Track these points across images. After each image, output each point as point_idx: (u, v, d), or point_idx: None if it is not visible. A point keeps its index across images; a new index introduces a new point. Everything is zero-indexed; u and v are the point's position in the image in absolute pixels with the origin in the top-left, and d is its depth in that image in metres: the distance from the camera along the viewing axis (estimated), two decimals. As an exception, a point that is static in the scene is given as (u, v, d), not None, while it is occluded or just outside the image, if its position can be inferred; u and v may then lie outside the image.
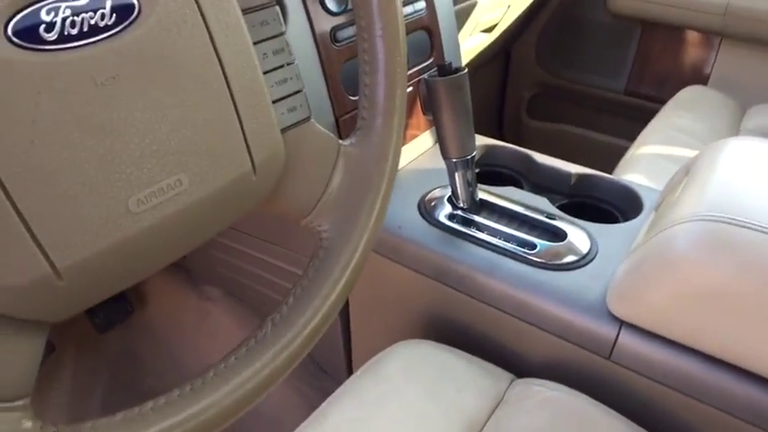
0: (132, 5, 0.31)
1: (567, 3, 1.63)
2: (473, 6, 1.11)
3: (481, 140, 0.92)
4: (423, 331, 0.78)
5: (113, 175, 0.30)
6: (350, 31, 0.74)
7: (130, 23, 0.30)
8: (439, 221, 0.75)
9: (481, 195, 0.78)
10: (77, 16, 0.29)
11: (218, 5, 0.34)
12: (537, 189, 0.88)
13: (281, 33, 0.39)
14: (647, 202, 0.78)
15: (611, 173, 1.08)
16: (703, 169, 0.67)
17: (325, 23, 0.71)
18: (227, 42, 0.34)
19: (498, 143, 0.92)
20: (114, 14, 0.30)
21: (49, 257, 0.28)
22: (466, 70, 0.69)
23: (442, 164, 0.75)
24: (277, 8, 0.39)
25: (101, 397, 1.04)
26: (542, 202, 0.77)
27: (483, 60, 1.48)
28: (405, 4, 0.83)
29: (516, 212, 0.75)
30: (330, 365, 1.00)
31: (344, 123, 0.74)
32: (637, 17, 1.53)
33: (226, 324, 1.06)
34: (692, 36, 1.51)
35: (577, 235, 0.71)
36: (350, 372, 0.94)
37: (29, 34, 0.27)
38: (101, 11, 0.29)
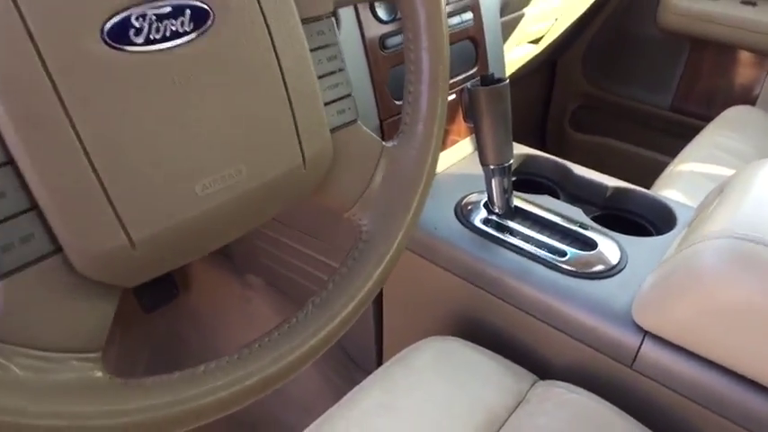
0: (207, 15, 0.35)
1: (616, 16, 1.63)
2: (520, 18, 1.13)
3: (520, 149, 0.95)
4: (451, 328, 0.81)
5: (184, 162, 0.34)
6: (398, 39, 0.78)
7: (205, 30, 0.35)
8: (474, 225, 0.77)
9: (516, 202, 0.80)
10: (161, 22, 0.33)
11: (281, 17, 0.38)
12: (572, 199, 0.89)
13: (335, 43, 0.43)
14: (681, 218, 0.79)
15: (650, 188, 1.09)
16: (737, 188, 0.68)
17: (374, 31, 0.74)
18: (287, 49, 0.38)
19: (537, 153, 0.94)
20: (192, 22, 0.34)
21: (127, 230, 0.33)
22: (507, 81, 0.72)
23: (480, 169, 0.78)
24: (333, 19, 0.43)
25: (141, 374, 1.10)
26: (576, 213, 0.79)
27: (528, 70, 1.49)
28: (452, 15, 0.86)
29: (549, 221, 0.77)
30: (360, 357, 1.03)
31: (389, 126, 0.78)
32: (686, 34, 1.52)
33: (265, 311, 1.11)
34: (742, 55, 1.50)
35: (608, 245, 0.73)
36: (379, 364, 0.98)
37: (120, 36, 0.32)
38: (181, 18, 0.34)
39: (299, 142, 0.40)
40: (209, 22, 0.35)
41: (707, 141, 1.21)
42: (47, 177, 0.30)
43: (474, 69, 0.92)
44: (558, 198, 0.89)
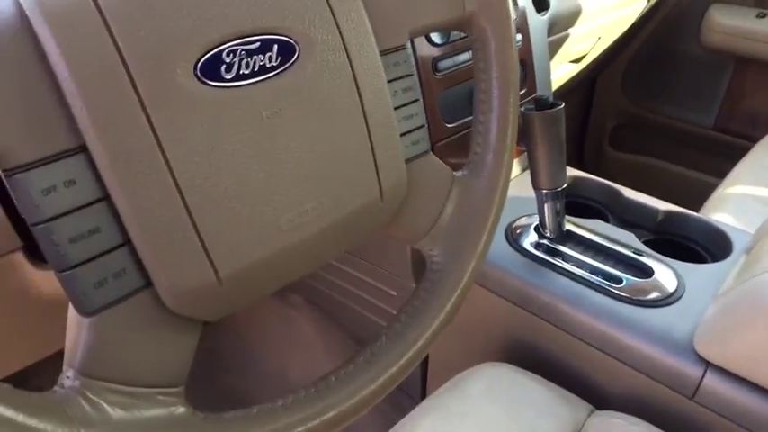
0: (294, 49, 0.35)
1: (658, 34, 1.62)
2: (565, 38, 1.13)
3: (568, 171, 0.94)
4: (501, 354, 0.80)
5: (270, 197, 0.35)
6: (450, 62, 0.78)
7: (291, 64, 0.35)
8: (525, 249, 0.77)
9: (568, 226, 0.79)
10: (250, 57, 0.33)
11: (362, 49, 0.38)
12: (623, 224, 0.88)
13: (411, 73, 0.43)
14: (738, 244, 0.78)
15: (695, 209, 1.07)
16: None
17: (427, 53, 0.75)
18: (367, 81, 0.38)
19: (586, 175, 0.93)
20: (279, 57, 0.35)
21: (215, 266, 0.33)
22: (562, 105, 0.71)
23: (529, 191, 0.77)
24: (409, 50, 0.43)
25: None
26: (629, 238, 0.78)
27: (568, 88, 1.48)
28: (503, 37, 0.86)
29: (602, 246, 0.76)
30: (406, 382, 1.03)
31: (439, 149, 0.78)
32: (730, 52, 1.50)
33: (307, 331, 1.11)
34: (788, 74, 1.47)
35: (664, 272, 0.72)
36: (424, 388, 0.97)
37: (212, 72, 0.32)
38: (269, 53, 0.34)
39: (377, 174, 0.40)
40: (295, 57, 0.35)
41: (755, 162, 1.19)
42: (141, 213, 0.31)
43: (523, 90, 0.92)
44: (607, 220, 0.88)
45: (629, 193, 0.88)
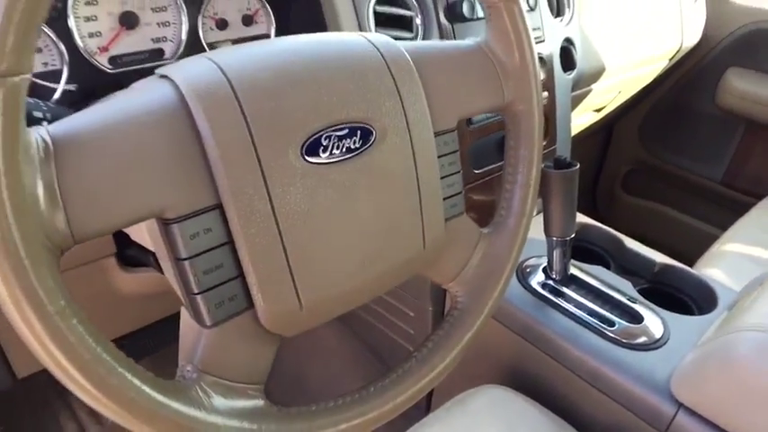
0: (371, 133, 0.46)
1: (676, 90, 1.71)
2: (588, 92, 1.23)
3: (579, 218, 1.04)
4: (502, 378, 0.90)
5: (345, 247, 0.45)
6: (482, 116, 0.88)
7: (369, 146, 0.46)
8: (532, 288, 0.87)
9: (573, 270, 0.89)
10: (340, 141, 0.44)
11: (421, 133, 0.49)
12: (623, 270, 0.98)
13: (456, 150, 0.53)
14: (723, 299, 0.87)
15: (695, 257, 1.16)
16: (779, 282, 0.76)
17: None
18: (423, 158, 0.49)
19: (594, 223, 1.03)
20: (361, 140, 0.45)
21: (299, 297, 0.44)
22: (578, 166, 0.81)
23: (541, 234, 0.87)
24: (456, 132, 0.53)
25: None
26: (626, 286, 0.88)
27: (588, 133, 1.58)
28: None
29: (601, 291, 0.86)
30: None
31: (466, 192, 0.88)
32: (743, 114, 1.59)
33: (328, 339, 1.22)
34: (797, 140, 1.56)
35: (653, 320, 0.81)
36: (428, 403, 1.07)
37: (312, 152, 0.43)
38: (353, 138, 0.45)
39: (423, 230, 0.50)
40: (372, 139, 0.46)
41: (755, 221, 1.28)
42: (252, 255, 0.41)
43: (544, 142, 1.02)
44: (608, 266, 0.97)
45: (630, 243, 0.98)
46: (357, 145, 0.45)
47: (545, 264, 0.90)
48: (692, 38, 1.51)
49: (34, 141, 0.35)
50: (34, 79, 0.64)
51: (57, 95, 0.66)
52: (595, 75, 1.20)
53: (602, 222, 1.28)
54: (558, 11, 1.05)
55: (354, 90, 0.45)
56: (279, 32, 0.81)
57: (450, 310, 0.57)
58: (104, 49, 0.68)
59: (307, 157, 0.43)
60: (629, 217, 1.87)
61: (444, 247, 0.53)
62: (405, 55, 0.49)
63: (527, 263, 0.92)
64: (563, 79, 1.04)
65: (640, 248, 0.97)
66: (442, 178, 0.52)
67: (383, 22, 0.81)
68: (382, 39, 0.49)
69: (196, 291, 0.40)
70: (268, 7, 0.79)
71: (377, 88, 0.46)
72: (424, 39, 0.83)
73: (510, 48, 0.54)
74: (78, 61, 0.67)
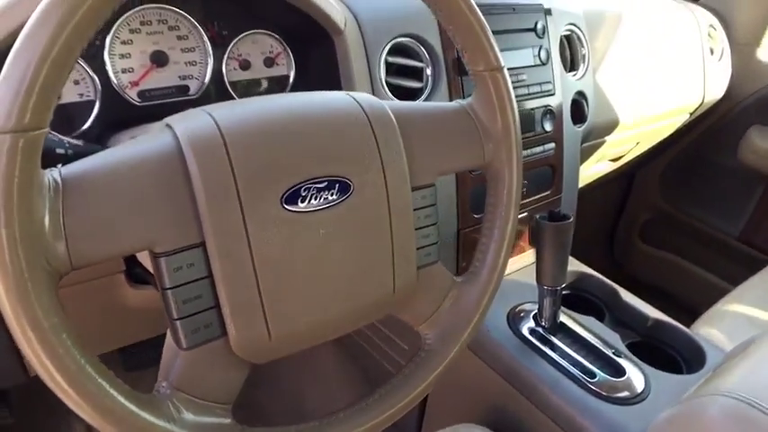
0: (349, 187, 0.50)
1: (697, 144, 1.72)
2: (601, 143, 1.26)
3: (578, 267, 1.06)
4: (483, 417, 0.93)
5: (315, 287, 0.50)
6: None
7: (346, 198, 0.50)
8: (521, 333, 0.90)
9: (563, 318, 0.92)
10: (318, 193, 0.49)
11: (398, 189, 0.53)
12: (616, 322, 1.00)
13: (433, 204, 0.58)
14: (711, 360, 0.88)
15: (704, 311, 1.17)
16: (764, 347, 0.77)
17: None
18: (397, 211, 0.53)
19: (592, 273, 1.05)
20: (339, 192, 0.50)
21: (269, 329, 0.48)
22: (571, 219, 0.84)
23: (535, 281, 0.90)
24: (434, 187, 0.58)
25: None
26: (614, 338, 0.90)
27: (605, 180, 1.60)
28: (536, 145, 1.00)
29: (587, 341, 0.89)
30: (403, 423, 1.17)
31: (464, 235, 0.92)
32: (764, 173, 1.59)
33: (326, 363, 1.26)
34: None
35: (635, 375, 0.83)
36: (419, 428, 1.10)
37: (291, 201, 0.48)
38: (332, 190, 0.50)
39: (393, 275, 0.54)
40: (350, 192, 0.51)
41: (762, 282, 1.28)
42: (228, 289, 0.46)
43: (549, 191, 1.05)
44: (603, 316, 0.99)
45: (626, 296, 1.00)
46: (334, 197, 0.50)
47: (536, 310, 0.92)
48: (714, 93, 1.53)
49: (47, 181, 0.41)
50: (70, 103, 0.71)
51: (87, 124, 0.73)
52: (609, 127, 1.23)
53: (617, 269, 1.30)
54: (571, 65, 1.09)
55: (335, 146, 0.50)
56: (297, 74, 0.87)
57: (419, 351, 0.61)
58: (135, 84, 0.75)
59: (286, 206, 0.48)
60: (645, 265, 1.87)
61: (416, 292, 0.58)
62: (388, 113, 0.54)
63: (520, 307, 0.95)
64: (572, 131, 1.08)
65: (635, 302, 0.99)
66: (417, 229, 0.56)
67: (395, 71, 0.86)
68: (368, 98, 0.54)
69: (176, 316, 0.46)
70: (289, 51, 0.85)
71: (357, 145, 0.51)
72: (433, 89, 0.88)
73: (493, 113, 0.58)
74: (110, 94, 0.74)
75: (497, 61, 0.57)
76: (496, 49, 0.56)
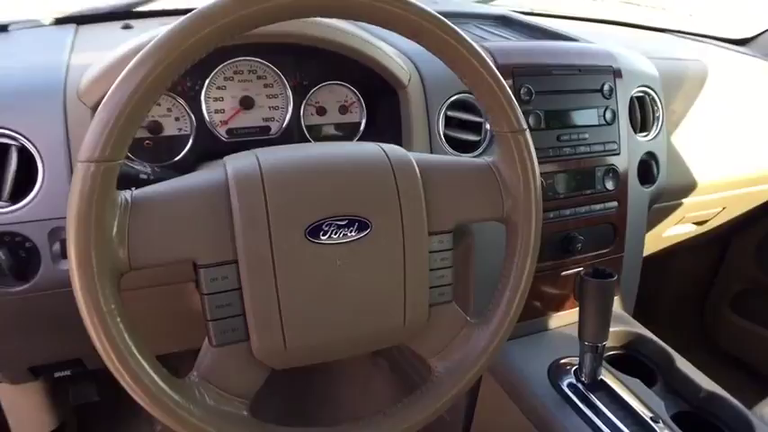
0: (368, 226, 0.57)
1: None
2: (678, 206, 1.23)
3: (635, 328, 1.05)
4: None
5: (328, 311, 0.57)
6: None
7: (364, 236, 0.57)
8: (560, 387, 0.91)
9: (606, 377, 0.92)
10: (339, 229, 0.56)
11: (414, 232, 0.59)
12: (668, 389, 0.97)
13: (449, 248, 0.63)
14: (763, 442, 0.84)
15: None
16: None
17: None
18: (412, 252, 0.59)
19: (648, 335, 1.03)
20: (357, 231, 0.57)
21: (285, 340, 0.56)
22: (615, 277, 0.85)
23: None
24: (452, 235, 0.63)
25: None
26: (657, 404, 0.88)
27: (695, 244, 1.54)
28: (596, 203, 1.02)
29: (627, 404, 0.87)
30: None
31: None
32: None
33: (383, 391, 1.32)
34: None
35: (671, 446, 0.81)
36: None
37: (314, 234, 0.56)
38: (351, 228, 0.57)
39: (404, 309, 0.60)
40: (368, 231, 0.58)
41: None
42: (254, 302, 0.55)
43: (609, 249, 1.05)
44: (655, 381, 0.97)
45: (681, 363, 0.97)
46: (353, 234, 0.57)
47: (577, 366, 0.93)
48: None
49: (120, 200, 0.52)
50: (170, 135, 0.85)
51: (182, 154, 0.86)
52: (686, 189, 1.20)
53: (707, 339, 1.23)
54: (642, 126, 1.09)
55: (358, 190, 0.58)
56: (367, 122, 0.96)
57: (427, 383, 0.65)
58: (224, 123, 0.88)
59: (309, 237, 0.56)
60: (734, 338, 1.74)
61: (427, 327, 0.63)
62: (411, 164, 0.61)
63: (563, 360, 0.95)
64: (639, 192, 1.08)
65: (690, 370, 0.96)
66: (432, 270, 0.62)
67: (456, 125, 0.92)
68: (395, 150, 0.62)
69: (209, 318, 0.55)
70: (362, 101, 0.95)
71: (379, 190, 0.58)
72: (490, 142, 0.93)
73: (514, 171, 0.63)
74: (203, 130, 0.87)
75: (519, 124, 0.62)
76: (518, 112, 0.61)
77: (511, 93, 0.61)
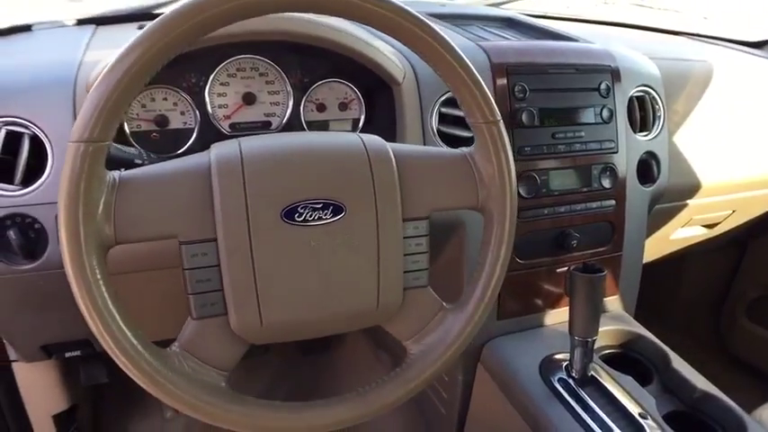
0: (342, 209, 0.60)
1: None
2: (682, 207, 1.22)
3: (635, 328, 1.05)
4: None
5: (302, 289, 0.60)
6: (531, 213, 0.97)
7: (338, 219, 0.60)
8: (550, 382, 0.91)
9: (597, 373, 0.92)
10: (314, 212, 0.59)
11: (387, 217, 0.61)
12: (664, 388, 0.97)
13: (425, 234, 0.65)
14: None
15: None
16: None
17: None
18: (385, 235, 0.61)
19: (646, 335, 1.03)
20: (332, 213, 0.60)
21: (261, 316, 0.59)
22: (604, 273, 0.85)
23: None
24: (428, 221, 0.65)
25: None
26: (648, 401, 0.88)
27: (709, 248, 1.52)
28: (593, 200, 1.02)
29: (617, 400, 0.88)
30: None
31: (508, 277, 0.97)
32: None
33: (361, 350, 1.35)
34: None
35: (659, 442, 0.81)
36: None
37: (289, 216, 0.59)
38: (326, 211, 0.60)
39: (378, 292, 0.62)
40: (342, 215, 0.60)
41: None
42: (230, 278, 0.58)
43: (605, 248, 1.06)
44: (651, 380, 0.97)
45: (678, 363, 0.97)
46: (327, 217, 0.60)
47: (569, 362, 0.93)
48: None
49: (108, 179, 0.56)
50: (176, 129, 0.89)
51: (186, 146, 0.90)
52: (690, 190, 1.19)
53: (721, 345, 1.20)
54: (642, 125, 1.09)
55: (334, 175, 0.60)
56: (366, 118, 0.98)
57: (402, 362, 0.67)
58: (227, 117, 0.92)
59: (285, 219, 0.58)
60: (748, 344, 1.71)
61: (401, 310, 0.65)
62: (387, 152, 0.63)
63: (555, 356, 0.96)
64: (639, 191, 1.07)
65: (686, 370, 0.96)
66: (407, 255, 0.64)
67: (451, 121, 0.94)
68: (373, 139, 0.64)
69: (189, 291, 0.58)
70: (361, 98, 0.98)
71: (354, 175, 0.61)
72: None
73: (489, 162, 0.65)
74: (207, 124, 0.91)
75: (492, 114, 0.63)
76: (492, 102, 0.63)
77: (484, 84, 0.63)
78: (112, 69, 0.52)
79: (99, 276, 0.53)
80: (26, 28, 1.07)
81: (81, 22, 1.12)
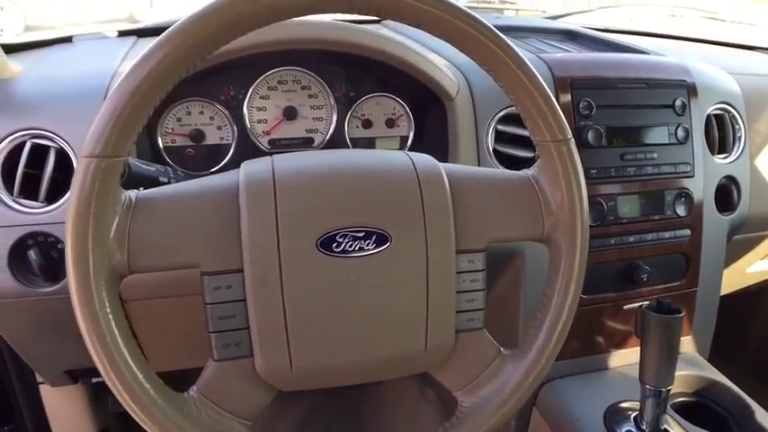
0: (387, 240, 0.52)
1: None
2: (763, 238, 1.10)
3: (711, 373, 0.93)
4: None
5: (341, 331, 0.52)
6: (599, 242, 0.87)
7: (382, 250, 0.52)
8: (616, 433, 0.81)
9: (669, 426, 0.81)
10: (355, 241, 0.52)
11: (438, 248, 0.53)
12: (746, 443, 0.85)
13: (481, 269, 0.56)
14: None
15: None
16: None
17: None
18: (436, 270, 0.53)
19: (724, 382, 0.92)
20: (375, 244, 0.52)
21: (291, 360, 0.51)
22: (682, 313, 0.75)
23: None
24: (484, 254, 0.57)
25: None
26: (730, 462, 0.77)
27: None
28: (666, 229, 0.92)
29: (694, 458, 0.77)
30: None
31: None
32: None
33: (428, 424, 1.25)
34: None
35: None
36: None
37: (326, 246, 0.51)
38: (368, 240, 0.52)
39: (426, 334, 0.54)
40: (387, 245, 0.52)
41: None
42: (259, 314, 0.51)
43: (679, 282, 0.95)
44: (729, 432, 0.86)
45: (762, 415, 0.85)
46: (370, 247, 0.52)
47: (638, 412, 0.83)
48: None
49: (123, 199, 0.50)
50: (213, 144, 0.84)
51: (222, 163, 0.84)
52: (773, 220, 1.08)
53: None
54: (721, 147, 0.99)
55: (378, 200, 0.53)
56: (415, 136, 0.91)
57: (453, 417, 0.59)
58: (267, 133, 0.86)
59: (321, 249, 0.51)
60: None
61: (453, 356, 0.57)
62: (440, 174, 0.55)
63: (622, 404, 0.86)
64: (716, 219, 0.97)
65: (772, 426, 0.84)
66: (459, 292, 0.55)
67: (508, 140, 0.86)
68: (424, 159, 0.57)
69: (210, 329, 0.51)
70: (410, 114, 0.90)
71: (401, 200, 0.53)
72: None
73: (557, 186, 0.56)
74: (245, 140, 0.85)
75: (563, 132, 0.55)
76: (562, 119, 0.55)
77: (553, 97, 0.54)
78: (128, 76, 0.46)
79: (108, 310, 0.47)
80: (67, 39, 1.05)
81: (122, 34, 1.09)
